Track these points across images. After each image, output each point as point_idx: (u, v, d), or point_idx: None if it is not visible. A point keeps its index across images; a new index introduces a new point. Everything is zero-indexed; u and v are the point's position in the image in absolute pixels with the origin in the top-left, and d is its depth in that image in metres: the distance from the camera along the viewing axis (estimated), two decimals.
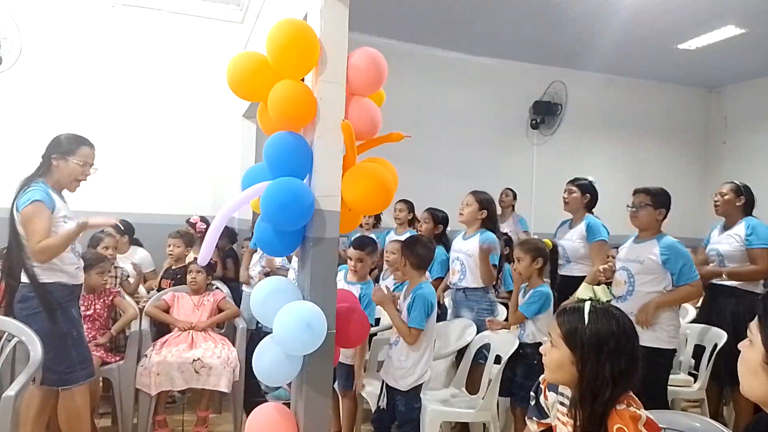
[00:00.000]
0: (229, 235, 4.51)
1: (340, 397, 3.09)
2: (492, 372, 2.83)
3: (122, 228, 4.17)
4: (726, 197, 3.49)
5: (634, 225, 3.08)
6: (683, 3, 4.98)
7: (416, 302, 2.62)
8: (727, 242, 3.46)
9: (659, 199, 3.01)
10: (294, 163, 2.33)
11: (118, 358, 3.21)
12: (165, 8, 5.36)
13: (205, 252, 2.34)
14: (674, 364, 3.51)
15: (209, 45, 5.43)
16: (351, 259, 3.07)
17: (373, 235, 4.82)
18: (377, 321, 3.62)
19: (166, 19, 5.37)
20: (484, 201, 3.43)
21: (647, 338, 2.86)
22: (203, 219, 4.38)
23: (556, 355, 1.38)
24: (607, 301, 1.40)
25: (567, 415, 1.42)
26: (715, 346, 3.21)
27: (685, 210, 6.56)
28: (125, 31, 5.24)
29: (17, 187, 2.58)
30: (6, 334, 2.32)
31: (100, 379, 3.21)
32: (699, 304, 3.89)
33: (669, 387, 2.93)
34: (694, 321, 3.69)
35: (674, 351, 2.97)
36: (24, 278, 2.53)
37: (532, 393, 1.59)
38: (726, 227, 3.53)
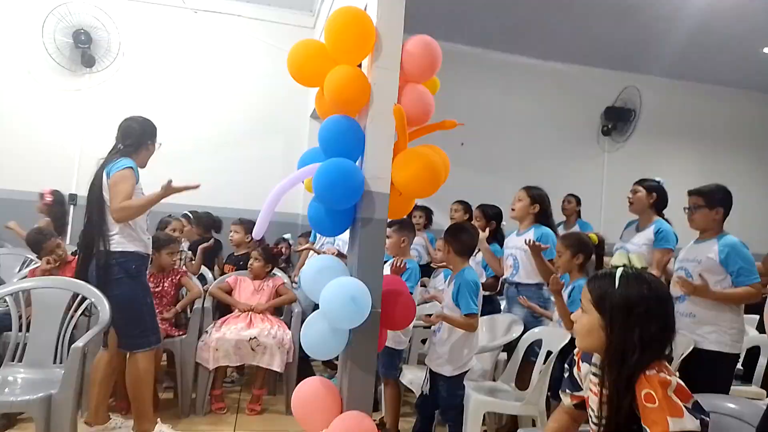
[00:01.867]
0: (206, 222, 4.58)
1: (382, 384, 3.12)
2: (542, 367, 2.76)
3: (191, 218, 4.47)
4: None
5: (692, 227, 2.94)
6: (765, 4, 4.71)
7: (462, 288, 2.63)
8: None
9: (714, 198, 2.85)
10: (346, 145, 2.42)
11: (181, 333, 3.40)
12: (243, 14, 5.68)
13: (259, 227, 2.46)
14: (747, 377, 3.32)
15: (282, 50, 5.67)
16: None
17: (425, 235, 4.88)
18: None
19: (244, 24, 5.69)
20: (536, 196, 3.37)
21: (709, 342, 2.72)
22: (53, 192, 4.49)
23: (586, 321, 1.36)
24: (643, 268, 1.37)
25: (599, 384, 1.39)
26: None
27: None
28: (205, 36, 5.60)
29: (106, 158, 2.80)
30: (80, 296, 2.53)
31: (163, 353, 3.41)
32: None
33: (733, 395, 2.75)
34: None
35: (737, 356, 2.79)
36: (104, 247, 2.70)
37: (566, 365, 1.56)
38: None
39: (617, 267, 1.38)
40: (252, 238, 4.19)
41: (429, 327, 3.55)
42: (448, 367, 2.64)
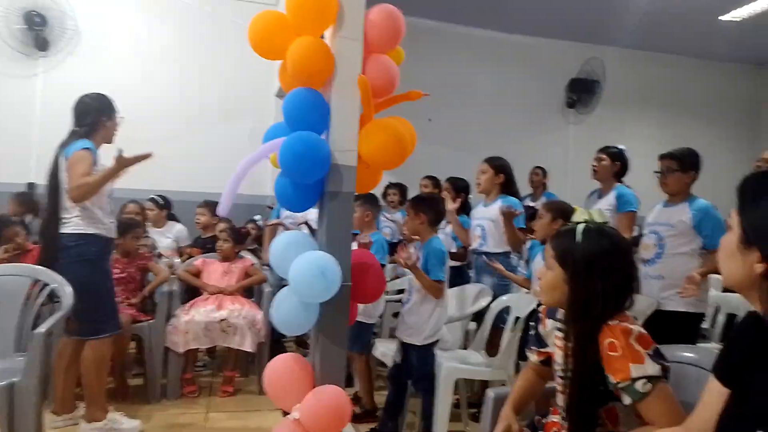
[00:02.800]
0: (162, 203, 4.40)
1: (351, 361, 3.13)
2: (511, 332, 2.81)
3: (161, 202, 4.37)
4: None
5: (665, 191, 3.00)
6: None
7: (431, 256, 2.64)
8: None
9: (687, 162, 2.92)
10: (311, 118, 2.37)
11: (149, 318, 3.34)
12: None
13: (224, 204, 2.41)
14: (708, 333, 3.42)
15: (244, 29, 5.53)
16: None
17: (399, 214, 4.88)
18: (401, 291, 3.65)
19: (206, 2, 5.52)
20: (499, 166, 3.40)
21: (675, 302, 2.79)
22: None
23: (550, 276, 1.38)
24: (603, 222, 1.39)
25: (563, 339, 1.41)
26: None
27: (731, 190, 6.30)
28: (165, 16, 5.43)
29: (62, 141, 2.70)
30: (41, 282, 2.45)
31: (131, 339, 3.35)
32: None
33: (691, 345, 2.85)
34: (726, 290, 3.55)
35: (702, 315, 2.88)
36: (64, 230, 2.64)
37: (531, 323, 1.58)
38: None
39: (579, 223, 1.39)
40: (219, 220, 4.13)
41: (399, 301, 3.59)
42: (418, 336, 2.66)
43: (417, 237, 2.87)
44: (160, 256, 3.98)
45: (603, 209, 3.55)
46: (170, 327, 3.27)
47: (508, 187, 3.36)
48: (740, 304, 3.24)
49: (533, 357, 1.56)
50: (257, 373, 3.44)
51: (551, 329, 1.48)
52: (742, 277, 0.92)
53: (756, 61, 7.48)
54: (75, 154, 2.59)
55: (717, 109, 7.46)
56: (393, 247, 3.95)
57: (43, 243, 2.77)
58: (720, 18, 5.85)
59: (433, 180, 4.63)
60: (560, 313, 1.44)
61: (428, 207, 2.76)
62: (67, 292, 2.39)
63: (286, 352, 3.74)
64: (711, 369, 1.04)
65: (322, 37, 2.50)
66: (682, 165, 2.92)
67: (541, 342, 1.54)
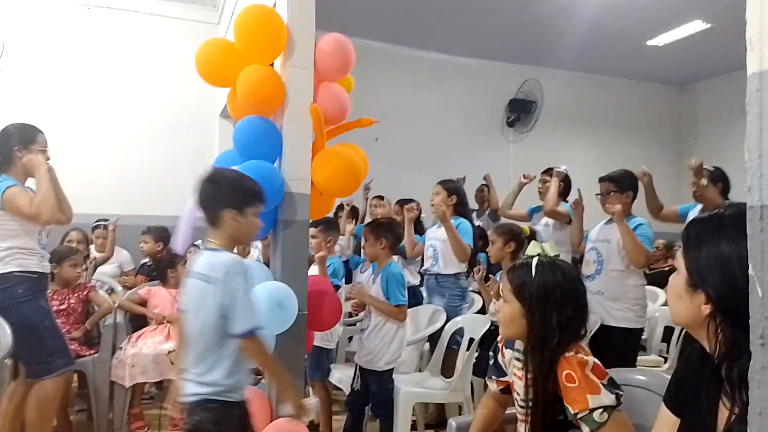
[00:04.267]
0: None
1: (310, 386, 3.10)
2: (465, 354, 2.86)
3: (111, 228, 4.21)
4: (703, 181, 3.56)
5: (605, 212, 3.15)
6: (646, 1, 5.11)
7: (390, 280, 2.67)
8: None
9: (623, 183, 3.10)
10: (263, 146, 2.37)
11: (92, 352, 3.19)
12: (141, 10, 5.37)
13: (182, 241, 2.36)
14: (648, 346, 3.60)
15: (186, 47, 5.43)
16: None
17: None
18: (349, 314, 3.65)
19: (143, 21, 5.38)
20: (452, 188, 3.48)
21: (615, 319, 2.93)
22: None
23: (508, 310, 1.42)
24: (555, 256, 1.45)
25: (522, 369, 1.46)
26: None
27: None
28: (101, 33, 5.25)
29: None
30: None
31: (75, 374, 3.19)
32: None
33: (641, 367, 3.00)
34: (665, 304, 3.76)
35: (641, 330, 3.03)
36: None
37: (491, 353, 1.63)
38: (704, 211, 3.58)
39: (533, 257, 1.45)
40: (163, 247, 4.02)
41: (354, 325, 3.59)
42: (378, 362, 2.67)
43: (375, 260, 2.89)
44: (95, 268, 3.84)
45: (551, 223, 3.76)
46: (116, 360, 3.13)
47: (460, 209, 3.44)
48: None
49: (493, 386, 1.61)
50: None
51: (510, 359, 1.53)
52: (690, 317, 0.98)
53: (678, 82, 7.99)
54: (5, 194, 2.45)
55: (645, 127, 7.89)
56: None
57: None
58: (647, 43, 6.23)
59: (382, 200, 4.68)
60: (518, 344, 1.49)
61: (388, 232, 2.79)
62: (5, 331, 2.26)
63: None
64: (662, 398, 1.10)
65: (272, 65, 2.52)
66: (619, 186, 3.10)
67: (500, 371, 1.59)
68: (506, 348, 1.56)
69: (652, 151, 7.86)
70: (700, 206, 3.64)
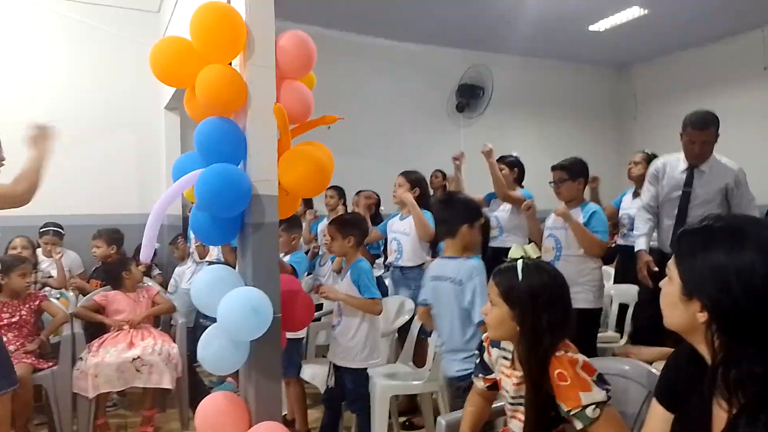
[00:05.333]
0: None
1: (284, 385, 3.10)
2: (437, 344, 2.92)
3: (61, 232, 4.04)
4: (639, 165, 3.74)
5: (560, 199, 3.25)
6: None
7: (361, 275, 2.69)
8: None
9: (575, 170, 3.20)
10: (227, 149, 2.30)
11: (50, 364, 3.06)
12: None
13: (147, 250, 2.28)
14: (602, 322, 3.77)
15: (126, 36, 5.19)
16: None
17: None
18: (319, 306, 3.66)
19: (79, 9, 5.08)
20: (414, 180, 3.51)
21: (576, 301, 3.04)
22: None
23: (497, 313, 1.46)
24: (537, 257, 1.50)
25: (510, 367, 1.51)
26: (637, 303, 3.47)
27: (602, 183, 6.96)
28: (35, 23, 4.93)
29: None
30: None
31: (31, 388, 3.05)
32: (614, 268, 4.19)
33: (598, 344, 3.15)
34: (615, 283, 3.95)
35: (600, 310, 3.17)
36: None
37: (476, 351, 1.67)
38: (637, 193, 3.78)
39: (516, 259, 1.49)
40: (117, 249, 3.88)
41: (320, 319, 3.59)
42: (352, 359, 2.68)
43: (342, 256, 2.89)
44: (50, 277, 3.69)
45: (507, 209, 3.86)
46: (77, 372, 3.01)
47: (423, 200, 3.47)
48: (631, 295, 3.60)
49: (480, 383, 1.65)
50: (179, 408, 3.29)
51: (497, 357, 1.57)
52: (686, 325, 1.03)
53: (617, 65, 8.29)
54: None
55: (587, 109, 8.18)
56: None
57: None
58: (589, 28, 6.42)
59: (339, 190, 4.64)
60: (504, 343, 1.53)
61: (355, 228, 2.80)
62: None
63: (199, 377, 3.67)
64: (654, 393, 1.17)
65: (230, 64, 2.44)
66: (571, 174, 3.20)
67: (486, 369, 1.63)
68: (492, 347, 1.60)
69: (595, 132, 8.18)
70: (632, 189, 3.85)
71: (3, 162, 2.55)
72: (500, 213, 3.90)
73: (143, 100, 5.23)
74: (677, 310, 1.04)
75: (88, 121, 5.08)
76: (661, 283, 1.11)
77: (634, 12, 5.96)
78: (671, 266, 1.07)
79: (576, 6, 5.75)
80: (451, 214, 2.31)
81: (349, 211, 4.36)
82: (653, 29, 6.46)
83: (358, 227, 2.83)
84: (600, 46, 7.10)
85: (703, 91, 7.28)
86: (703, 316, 0.98)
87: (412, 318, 3.14)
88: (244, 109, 2.34)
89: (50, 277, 3.81)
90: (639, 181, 3.73)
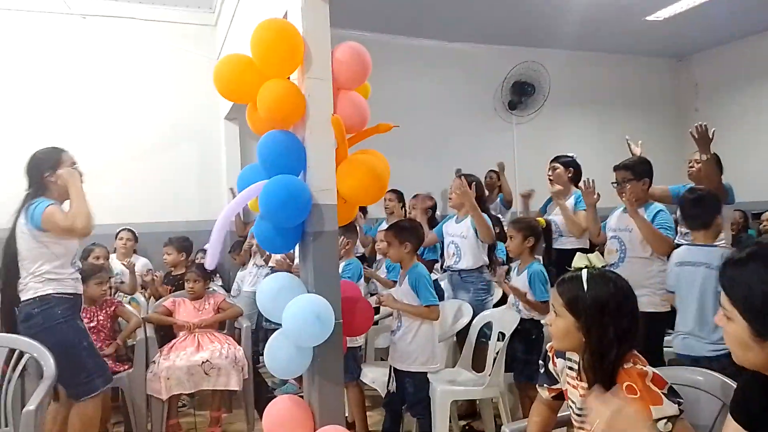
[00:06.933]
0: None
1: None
2: (497, 349, 2.91)
3: (136, 235, 4.29)
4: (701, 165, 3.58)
5: (623, 200, 3.16)
6: None
7: (419, 281, 2.72)
8: None
9: (639, 170, 3.11)
10: (288, 160, 2.38)
11: (126, 367, 3.25)
12: (137, 16, 5.32)
13: (212, 257, 2.38)
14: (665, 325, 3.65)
15: (184, 50, 5.42)
16: None
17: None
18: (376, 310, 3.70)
19: (139, 27, 5.33)
20: (471, 183, 3.50)
21: (642, 305, 2.95)
22: None
23: (561, 324, 1.45)
24: (602, 266, 1.48)
25: (576, 378, 1.50)
26: None
27: (663, 178, 6.71)
28: (98, 42, 5.21)
29: (18, 207, 2.60)
30: (17, 351, 2.34)
31: (109, 389, 3.24)
32: None
33: (693, 368, 3.05)
34: None
35: (668, 313, 3.07)
36: (24, 296, 2.55)
37: (540, 362, 1.67)
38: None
39: (580, 269, 1.48)
40: (186, 257, 4.06)
41: (377, 323, 3.64)
42: (413, 363, 2.72)
43: (398, 261, 2.93)
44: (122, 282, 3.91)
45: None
46: (150, 374, 3.18)
47: (478, 203, 3.46)
48: None
49: (545, 393, 1.64)
50: (245, 409, 3.41)
51: (562, 368, 1.56)
52: (764, 363, 0.97)
53: (676, 55, 7.96)
54: (45, 212, 2.50)
55: (645, 102, 7.86)
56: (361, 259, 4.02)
57: (4, 309, 2.64)
58: (646, 18, 6.21)
59: (398, 194, 4.67)
60: (569, 353, 1.52)
61: (412, 234, 2.83)
62: (48, 359, 2.29)
63: (264, 380, 3.79)
64: (729, 409, 1.14)
65: (289, 78, 2.52)
66: (635, 174, 3.11)
67: (551, 379, 1.62)
68: (557, 357, 1.59)
69: (654, 125, 7.87)
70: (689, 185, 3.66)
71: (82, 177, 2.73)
72: (556, 217, 3.83)
73: (203, 111, 5.45)
74: (752, 351, 0.96)
75: (153, 133, 5.34)
76: (718, 319, 1.03)
77: (693, 0, 5.72)
78: (726, 304, 0.99)
79: None
80: (704, 208, 2.64)
81: (407, 214, 4.38)
82: (712, 17, 6.16)
83: (414, 233, 2.85)
84: (658, 36, 6.83)
85: (765, 80, 6.92)
86: None
87: (471, 322, 3.14)
88: (303, 121, 2.42)
89: (122, 282, 4.03)
90: (701, 178, 3.50)
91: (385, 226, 4.53)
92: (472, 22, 6.19)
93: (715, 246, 2.59)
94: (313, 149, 2.41)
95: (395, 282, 3.13)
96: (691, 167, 3.68)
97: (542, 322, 2.88)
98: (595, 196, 3.34)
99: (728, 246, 3.03)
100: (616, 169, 3.16)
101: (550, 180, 3.94)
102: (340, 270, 3.16)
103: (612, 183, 3.17)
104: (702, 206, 2.66)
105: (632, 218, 2.94)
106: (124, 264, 4.14)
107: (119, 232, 4.36)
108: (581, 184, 3.43)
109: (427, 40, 6.70)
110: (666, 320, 3.05)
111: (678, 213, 2.92)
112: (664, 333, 3.06)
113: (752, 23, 6.54)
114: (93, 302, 3.32)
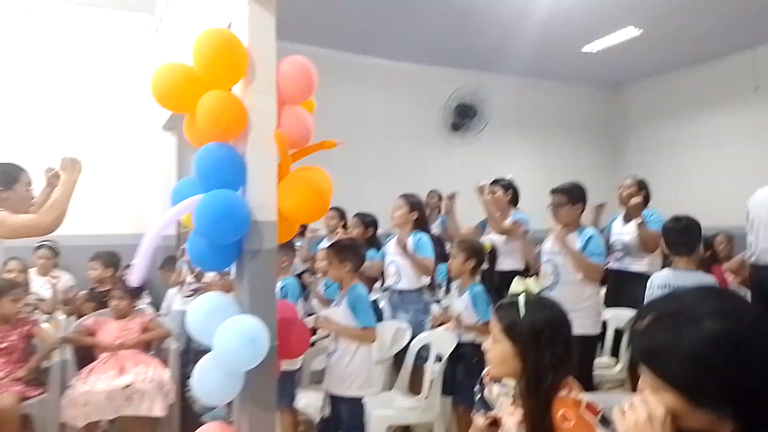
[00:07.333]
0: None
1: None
2: (434, 372, 2.88)
3: (57, 249, 3.99)
4: (631, 190, 3.74)
5: (558, 223, 3.24)
6: (587, 7, 5.30)
7: (358, 302, 2.66)
8: (629, 233, 3.70)
9: (575, 195, 3.20)
10: (227, 174, 2.28)
11: (40, 392, 2.99)
12: (76, 18, 5.06)
13: (139, 273, 2.24)
14: (596, 348, 3.74)
15: (123, 56, 5.19)
16: None
17: (299, 243, 4.80)
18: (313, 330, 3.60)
19: (78, 29, 5.07)
20: (414, 203, 3.50)
21: (574, 326, 3.02)
22: None
23: (499, 350, 1.43)
24: (539, 292, 1.48)
25: (512, 405, 1.48)
26: None
27: (595, 201, 7.01)
28: (28, 42, 4.91)
29: None
30: None
31: (18, 417, 2.98)
32: (605, 292, 4.17)
33: (594, 370, 3.12)
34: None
35: (597, 336, 3.15)
36: None
37: (476, 388, 1.64)
38: (628, 218, 3.74)
39: (518, 294, 1.47)
40: (113, 273, 3.83)
41: (313, 344, 3.54)
42: (349, 387, 2.64)
43: (337, 281, 2.86)
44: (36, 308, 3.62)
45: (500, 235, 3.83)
46: (66, 400, 2.94)
47: (420, 224, 3.46)
48: (624, 319, 3.58)
49: (480, 420, 1.62)
50: None
51: (498, 394, 1.54)
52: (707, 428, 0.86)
53: (611, 85, 8.36)
54: None
55: (581, 128, 8.22)
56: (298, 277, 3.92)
57: None
58: (582, 49, 6.49)
59: (339, 211, 4.61)
60: (505, 379, 1.50)
61: (352, 254, 2.77)
62: None
63: (192, 407, 3.61)
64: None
65: (231, 90, 2.43)
66: (570, 198, 3.19)
67: (487, 405, 1.60)
68: (493, 383, 1.57)
69: (589, 151, 8.22)
70: (621, 214, 3.83)
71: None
72: (495, 237, 3.88)
73: (139, 119, 5.21)
74: (690, 421, 0.86)
75: (83, 140, 5.04)
76: (638, 402, 0.90)
77: (630, 32, 6.01)
78: (650, 379, 0.88)
79: (572, 27, 5.80)
80: (690, 236, 2.85)
81: (349, 231, 4.32)
82: (647, 50, 6.53)
83: (355, 253, 2.80)
84: (594, 66, 7.15)
85: (695, 111, 7.37)
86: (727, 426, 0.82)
87: (409, 344, 3.10)
88: (245, 134, 2.33)
89: (41, 299, 3.74)
90: (630, 206, 3.65)
91: (326, 243, 4.45)
92: (420, 42, 6.28)
93: (699, 272, 2.86)
94: (254, 164, 2.32)
95: (331, 301, 3.07)
96: (622, 193, 3.83)
97: (482, 345, 2.87)
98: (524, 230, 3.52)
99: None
100: (553, 192, 3.24)
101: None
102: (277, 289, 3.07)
103: (548, 205, 3.24)
104: (689, 235, 2.86)
105: (561, 249, 3.00)
106: (51, 279, 3.84)
107: (38, 247, 4.05)
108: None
109: (375, 58, 6.74)
110: (596, 343, 3.13)
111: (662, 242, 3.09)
112: (594, 356, 3.13)
113: (681, 58, 6.96)
114: (6, 321, 3.07)
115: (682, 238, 2.88)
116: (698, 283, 2.66)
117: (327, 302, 3.48)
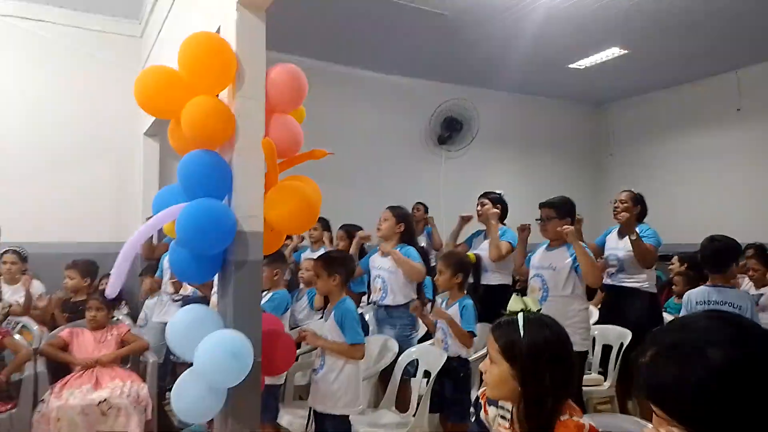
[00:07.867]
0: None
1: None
2: (422, 388, 2.81)
3: (23, 254, 3.84)
4: (625, 205, 3.72)
5: (545, 237, 3.22)
6: (573, 26, 5.35)
7: (346, 317, 2.57)
8: (625, 248, 3.68)
9: (563, 210, 3.17)
10: (212, 183, 2.21)
11: (9, 406, 2.86)
12: (59, 21, 4.95)
13: (115, 284, 2.15)
14: (585, 364, 3.70)
15: (106, 60, 5.09)
16: None
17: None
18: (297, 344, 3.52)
19: (60, 32, 4.96)
20: (401, 215, 3.45)
21: None
22: None
23: (496, 371, 1.37)
24: (538, 310, 1.42)
25: (509, 428, 1.42)
26: (621, 345, 3.41)
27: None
28: (11, 44, 4.79)
29: None
30: None
31: None
32: (599, 306, 4.15)
33: (583, 387, 3.08)
34: (597, 322, 3.87)
35: (587, 353, 3.11)
36: None
37: (471, 409, 1.58)
38: (622, 233, 3.73)
39: (516, 312, 1.41)
40: (90, 282, 3.70)
41: (297, 359, 3.45)
42: (334, 405, 2.55)
43: (325, 294, 2.79)
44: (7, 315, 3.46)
45: (488, 248, 3.80)
46: (38, 414, 2.80)
47: (407, 236, 3.40)
48: (615, 335, 3.55)
49: None
50: None
51: (494, 416, 1.48)
52: None
53: (593, 102, 8.45)
54: None
55: (565, 144, 8.27)
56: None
57: None
58: (568, 66, 6.54)
59: (323, 222, 4.53)
60: (502, 401, 1.45)
61: (341, 267, 2.70)
62: None
63: (171, 422, 3.48)
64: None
65: (218, 96, 2.36)
66: (559, 212, 3.17)
67: (482, 427, 1.54)
68: (489, 405, 1.51)
69: (572, 167, 8.27)
70: (616, 228, 3.82)
71: None
72: (482, 251, 3.85)
73: (121, 125, 5.10)
74: None
75: (63, 145, 4.93)
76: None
77: (614, 52, 6.09)
78: (662, 415, 0.85)
79: (559, 46, 5.85)
80: (727, 256, 2.98)
81: (334, 243, 4.26)
82: (631, 69, 6.61)
83: (344, 265, 2.73)
84: (579, 83, 7.21)
85: (679, 130, 7.46)
86: None
87: (396, 360, 3.03)
88: (231, 142, 2.27)
89: (11, 306, 3.56)
90: (625, 221, 3.62)
91: (308, 254, 4.37)
92: (409, 55, 6.29)
93: (733, 288, 3.01)
94: (241, 173, 2.26)
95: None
96: (615, 207, 3.80)
97: (469, 359, 2.83)
98: (527, 233, 3.46)
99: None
100: (541, 206, 3.21)
101: (478, 214, 3.98)
102: (265, 300, 2.98)
103: (536, 219, 3.22)
104: (726, 254, 2.99)
105: (573, 245, 2.97)
106: (26, 282, 3.68)
107: (2, 253, 3.87)
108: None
109: (365, 71, 6.73)
110: (585, 359, 3.10)
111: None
112: (582, 373, 3.09)
113: (666, 78, 7.05)
114: None
115: (718, 258, 3.00)
116: (736, 298, 2.88)
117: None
